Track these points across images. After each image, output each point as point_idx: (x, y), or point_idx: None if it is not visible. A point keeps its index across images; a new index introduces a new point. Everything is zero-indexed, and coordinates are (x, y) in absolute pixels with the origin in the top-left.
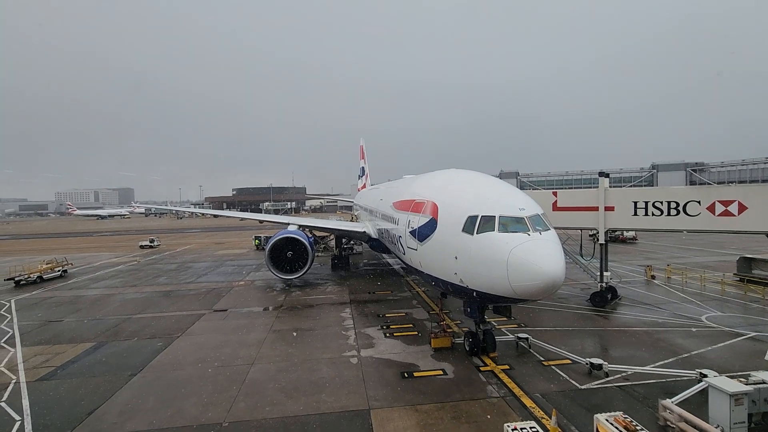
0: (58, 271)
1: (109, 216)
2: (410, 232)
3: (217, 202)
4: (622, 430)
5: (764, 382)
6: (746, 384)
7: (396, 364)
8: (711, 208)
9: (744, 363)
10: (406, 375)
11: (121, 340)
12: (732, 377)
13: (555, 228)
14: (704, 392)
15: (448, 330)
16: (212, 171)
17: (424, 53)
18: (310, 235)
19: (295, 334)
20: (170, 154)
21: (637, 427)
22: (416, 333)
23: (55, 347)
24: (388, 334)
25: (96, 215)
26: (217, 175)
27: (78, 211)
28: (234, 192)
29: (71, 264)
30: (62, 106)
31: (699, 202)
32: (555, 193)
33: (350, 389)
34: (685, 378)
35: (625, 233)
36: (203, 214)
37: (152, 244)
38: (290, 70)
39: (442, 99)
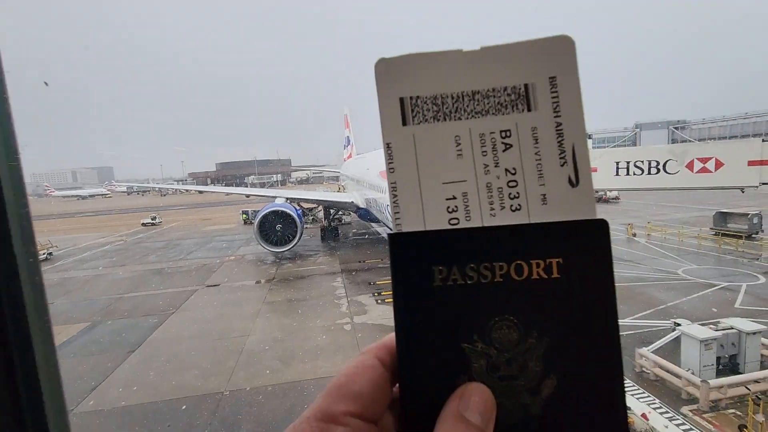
0: (43, 253)
1: (90, 196)
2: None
3: (201, 178)
4: None
5: (732, 328)
6: (716, 330)
7: (388, 329)
8: (689, 166)
9: (715, 311)
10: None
11: (116, 319)
12: (703, 325)
13: None
14: (678, 340)
15: None
16: (194, 146)
17: (405, 18)
18: (298, 208)
19: (288, 304)
20: (149, 131)
21: None
22: None
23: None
24: (380, 301)
25: (76, 195)
26: (199, 150)
27: (57, 192)
28: (218, 166)
29: (56, 246)
30: (29, 81)
31: (678, 160)
32: None
33: (345, 354)
34: (661, 328)
35: (608, 193)
36: (187, 191)
37: (154, 222)
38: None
39: None
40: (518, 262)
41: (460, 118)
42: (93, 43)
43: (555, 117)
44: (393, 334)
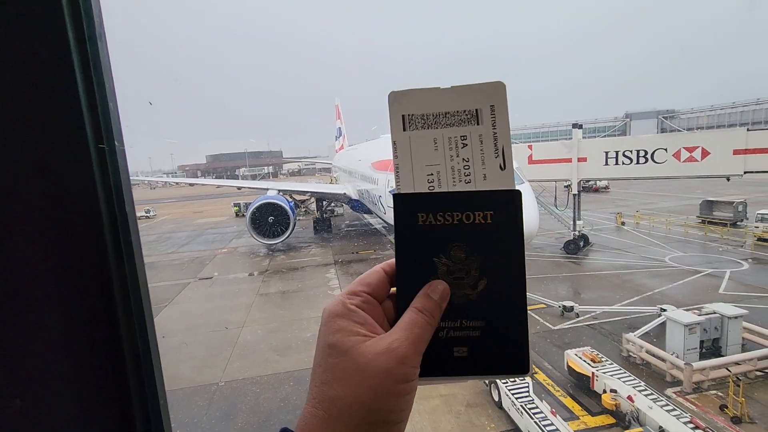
0: None
1: None
2: (390, 191)
3: (191, 170)
4: (589, 362)
5: (715, 313)
6: (699, 315)
7: None
8: (677, 155)
9: (700, 297)
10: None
11: None
12: (688, 310)
13: (530, 180)
14: (663, 325)
15: None
16: (183, 138)
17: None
18: (290, 199)
19: (282, 296)
20: (135, 122)
21: (603, 359)
22: None
23: None
24: None
25: None
26: (189, 142)
27: None
28: (208, 159)
29: None
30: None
31: (666, 150)
32: (530, 147)
33: None
34: (648, 314)
35: (597, 183)
36: (178, 183)
37: (148, 215)
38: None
39: (410, 47)
40: (468, 212)
41: (437, 128)
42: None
43: (493, 129)
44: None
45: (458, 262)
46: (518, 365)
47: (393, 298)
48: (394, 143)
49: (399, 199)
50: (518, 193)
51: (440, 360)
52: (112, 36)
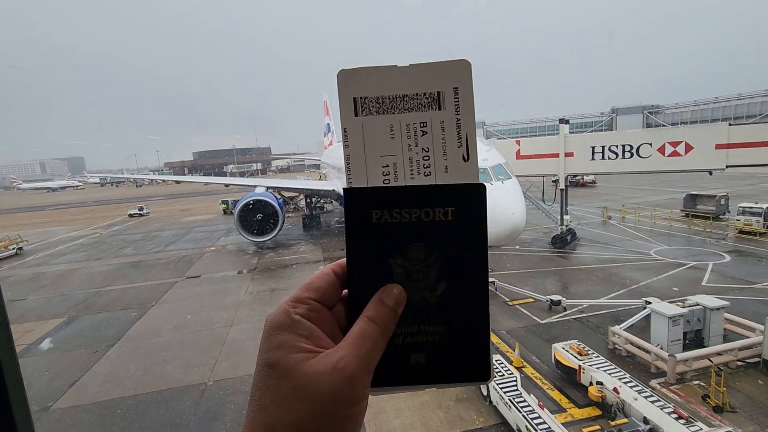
0: (13, 248)
1: (61, 188)
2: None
3: (178, 167)
4: (576, 355)
5: (698, 305)
6: (683, 307)
7: None
8: (661, 150)
9: (684, 289)
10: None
11: (93, 313)
12: (672, 302)
13: (518, 176)
14: (648, 317)
15: None
16: (169, 135)
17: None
18: (279, 196)
19: (271, 294)
20: (121, 120)
21: (589, 352)
22: None
23: (23, 326)
24: None
25: (46, 188)
26: (175, 139)
27: (24, 185)
28: (195, 156)
29: (26, 241)
30: None
31: (651, 144)
32: (518, 142)
33: None
34: (633, 306)
35: (584, 177)
36: (164, 181)
37: (141, 212)
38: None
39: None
40: (427, 208)
41: (394, 113)
42: (57, 26)
43: (456, 114)
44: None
45: (416, 263)
46: (480, 372)
47: (345, 301)
48: (344, 130)
49: (350, 194)
50: (482, 187)
51: (395, 368)
52: (97, 32)
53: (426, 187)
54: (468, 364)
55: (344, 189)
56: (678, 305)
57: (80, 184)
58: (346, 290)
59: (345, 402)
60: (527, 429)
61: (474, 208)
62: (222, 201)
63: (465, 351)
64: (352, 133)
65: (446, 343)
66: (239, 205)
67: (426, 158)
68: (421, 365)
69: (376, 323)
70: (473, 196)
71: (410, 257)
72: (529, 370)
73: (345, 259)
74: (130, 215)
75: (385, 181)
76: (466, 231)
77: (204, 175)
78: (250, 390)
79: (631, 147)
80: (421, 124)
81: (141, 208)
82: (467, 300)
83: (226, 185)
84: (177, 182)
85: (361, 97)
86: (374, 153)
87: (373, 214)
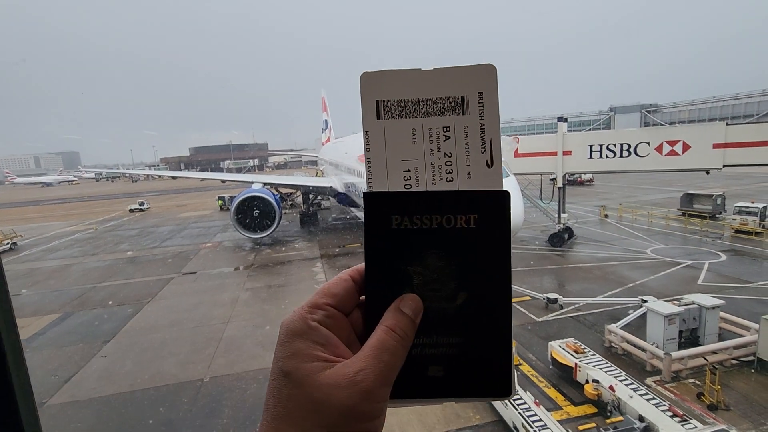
0: (7, 243)
1: (56, 182)
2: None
3: (174, 163)
4: (572, 353)
5: (693, 303)
6: (679, 306)
7: None
8: (659, 149)
9: (680, 288)
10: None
11: (89, 309)
12: (668, 301)
13: (516, 174)
14: (645, 316)
15: None
16: (166, 130)
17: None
18: (276, 193)
19: (268, 290)
20: (118, 115)
21: (586, 350)
22: None
23: (18, 321)
24: None
25: (40, 182)
26: (172, 135)
27: (18, 179)
28: (192, 151)
29: (20, 236)
30: None
31: (648, 143)
32: (516, 140)
33: None
34: (629, 305)
35: (582, 176)
36: (160, 176)
37: (142, 208)
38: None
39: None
40: (449, 215)
41: (416, 117)
42: (52, 19)
43: (480, 119)
44: (363, 262)
45: (436, 271)
46: (501, 387)
47: (362, 307)
48: (366, 133)
49: (370, 198)
50: (506, 195)
51: (412, 380)
52: (93, 26)
53: (448, 193)
54: (489, 378)
55: (364, 193)
56: (674, 304)
57: (75, 178)
58: (364, 296)
59: (362, 417)
60: (524, 426)
61: (498, 216)
62: (219, 197)
63: (486, 364)
64: (374, 136)
65: (466, 355)
66: (236, 202)
67: (448, 163)
68: (440, 378)
69: (395, 332)
70: (497, 204)
71: (429, 265)
72: (525, 368)
73: (363, 264)
74: (131, 210)
75: (406, 186)
76: (488, 240)
77: (200, 171)
78: (245, 387)
79: (629, 146)
80: (444, 129)
81: (141, 203)
82: (488, 311)
83: (223, 181)
84: (173, 178)
85: (383, 100)
86: (396, 157)
87: (393, 220)
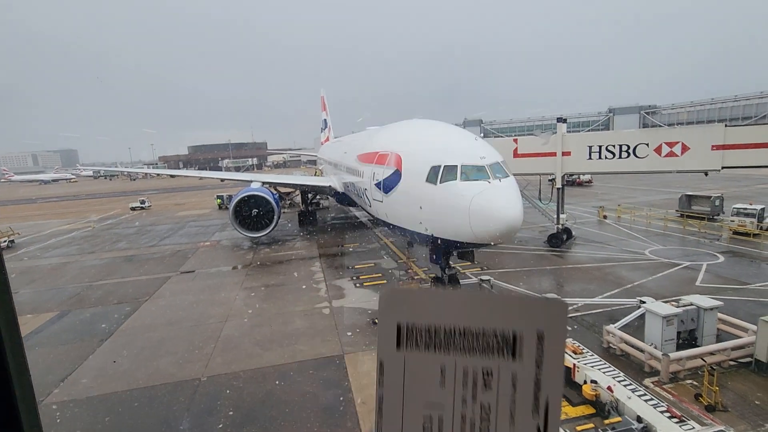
0: (4, 241)
1: (53, 180)
2: (375, 184)
3: (173, 161)
4: (571, 353)
5: (692, 305)
6: (677, 307)
7: (367, 312)
8: (658, 150)
9: (678, 289)
10: (376, 321)
11: (86, 307)
12: (666, 302)
13: (515, 174)
14: (643, 316)
15: (416, 277)
16: (163, 128)
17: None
18: (274, 192)
19: (266, 290)
20: (116, 113)
21: (584, 350)
22: (385, 282)
23: None
24: (358, 285)
25: (38, 180)
26: (170, 133)
27: (16, 177)
28: (190, 150)
29: (18, 233)
30: None
31: (647, 145)
32: (515, 140)
33: (324, 338)
34: (628, 306)
35: (581, 177)
36: (159, 175)
37: (143, 206)
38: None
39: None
40: None
41: (448, 351)
42: (50, 18)
43: (536, 369)
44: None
45: None
46: None
47: None
48: (380, 365)
49: None
50: None
51: None
52: (91, 25)
53: None
54: None
55: None
56: (672, 305)
57: (73, 176)
58: None
59: None
60: None
61: None
62: (217, 196)
63: None
64: (391, 369)
65: None
66: (235, 200)
67: (484, 419)
68: None
69: None
70: None
71: None
72: None
73: None
74: (132, 208)
75: None
76: None
77: (199, 170)
78: (243, 386)
79: (628, 147)
80: (486, 373)
81: (143, 201)
82: None
83: (222, 180)
84: (171, 176)
85: (407, 324)
86: (415, 399)
87: None
